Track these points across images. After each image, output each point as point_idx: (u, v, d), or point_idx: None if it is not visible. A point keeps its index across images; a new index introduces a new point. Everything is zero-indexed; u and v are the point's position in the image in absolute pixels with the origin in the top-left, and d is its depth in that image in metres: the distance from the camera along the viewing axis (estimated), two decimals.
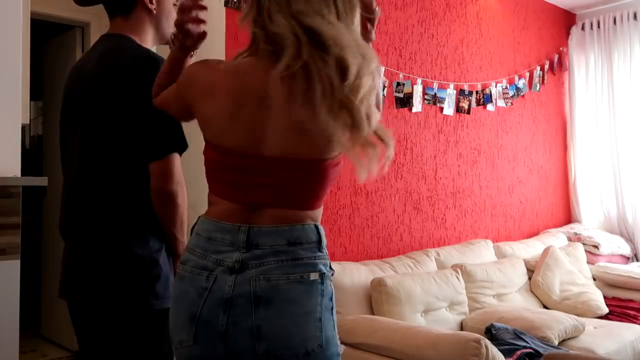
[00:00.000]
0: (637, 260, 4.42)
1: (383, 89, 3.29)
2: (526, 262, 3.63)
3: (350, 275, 2.69)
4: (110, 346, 1.40)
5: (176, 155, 1.41)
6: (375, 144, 1.08)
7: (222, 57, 2.59)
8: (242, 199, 1.14)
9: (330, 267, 1.15)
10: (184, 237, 1.45)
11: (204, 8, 1.25)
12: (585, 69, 4.78)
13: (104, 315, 1.39)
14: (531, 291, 3.54)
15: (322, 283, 1.10)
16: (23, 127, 2.31)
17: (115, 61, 1.42)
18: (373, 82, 1.08)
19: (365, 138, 1.07)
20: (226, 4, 2.63)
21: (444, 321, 2.83)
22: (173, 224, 1.42)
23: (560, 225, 4.59)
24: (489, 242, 3.67)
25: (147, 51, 1.47)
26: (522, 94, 4.33)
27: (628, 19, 4.52)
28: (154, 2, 1.55)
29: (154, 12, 1.55)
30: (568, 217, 4.78)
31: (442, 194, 3.64)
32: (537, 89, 4.50)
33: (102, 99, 1.40)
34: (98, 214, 1.41)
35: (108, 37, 1.54)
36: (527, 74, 4.39)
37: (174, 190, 1.39)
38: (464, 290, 3.02)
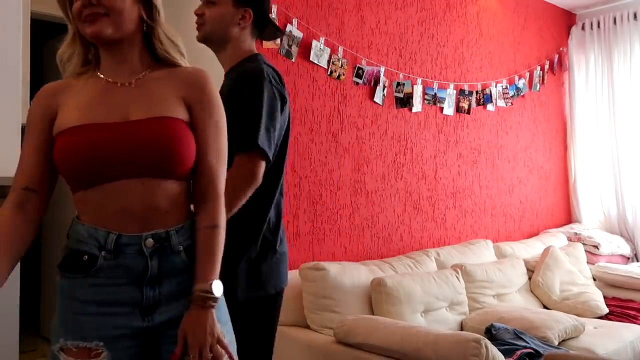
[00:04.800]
0: (637, 260, 4.42)
1: (383, 89, 3.29)
2: (526, 262, 3.63)
3: (350, 275, 2.68)
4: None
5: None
6: None
7: None
8: None
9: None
10: None
11: None
12: (585, 69, 4.77)
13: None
14: (531, 291, 3.54)
15: None
16: (23, 127, 2.30)
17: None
18: None
19: None
20: None
21: (444, 321, 2.83)
22: None
23: (560, 225, 4.59)
24: (489, 242, 3.67)
25: None
26: (522, 94, 4.33)
27: (628, 19, 4.52)
28: None
29: None
30: (568, 217, 4.77)
31: (442, 194, 3.64)
32: (537, 89, 4.50)
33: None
34: None
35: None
36: (527, 74, 4.39)
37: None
38: (464, 290, 3.02)
